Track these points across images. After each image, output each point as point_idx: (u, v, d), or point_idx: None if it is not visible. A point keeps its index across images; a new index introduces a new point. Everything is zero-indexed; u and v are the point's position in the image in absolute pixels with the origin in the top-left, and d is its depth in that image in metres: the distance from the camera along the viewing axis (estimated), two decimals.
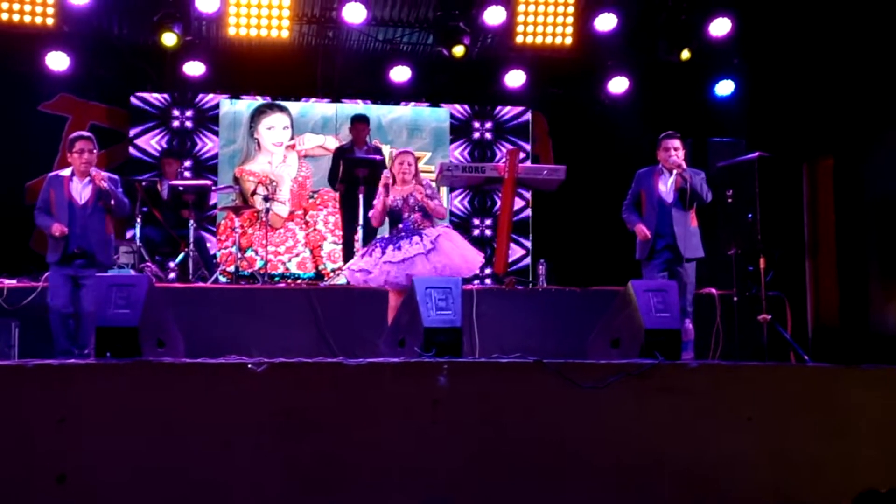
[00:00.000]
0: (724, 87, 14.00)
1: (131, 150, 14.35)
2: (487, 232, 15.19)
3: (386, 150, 14.19)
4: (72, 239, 9.17)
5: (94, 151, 9.37)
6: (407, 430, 6.27)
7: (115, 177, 9.69)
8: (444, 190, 14.75)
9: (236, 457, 6.13)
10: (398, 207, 9.23)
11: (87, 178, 9.23)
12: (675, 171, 9.65)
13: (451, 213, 14.82)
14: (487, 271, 12.80)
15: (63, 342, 9.11)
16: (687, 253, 9.60)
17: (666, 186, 9.76)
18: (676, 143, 9.78)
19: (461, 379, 6.34)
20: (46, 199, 9.35)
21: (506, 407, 6.41)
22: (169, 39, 12.56)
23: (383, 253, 9.06)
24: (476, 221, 15.35)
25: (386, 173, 9.46)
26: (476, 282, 11.67)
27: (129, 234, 11.67)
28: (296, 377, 6.30)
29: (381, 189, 9.29)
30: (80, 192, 9.28)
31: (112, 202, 9.26)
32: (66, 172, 9.38)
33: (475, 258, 9.41)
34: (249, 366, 6.20)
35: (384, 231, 9.80)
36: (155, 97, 14.52)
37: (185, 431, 6.12)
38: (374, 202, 9.40)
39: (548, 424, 6.42)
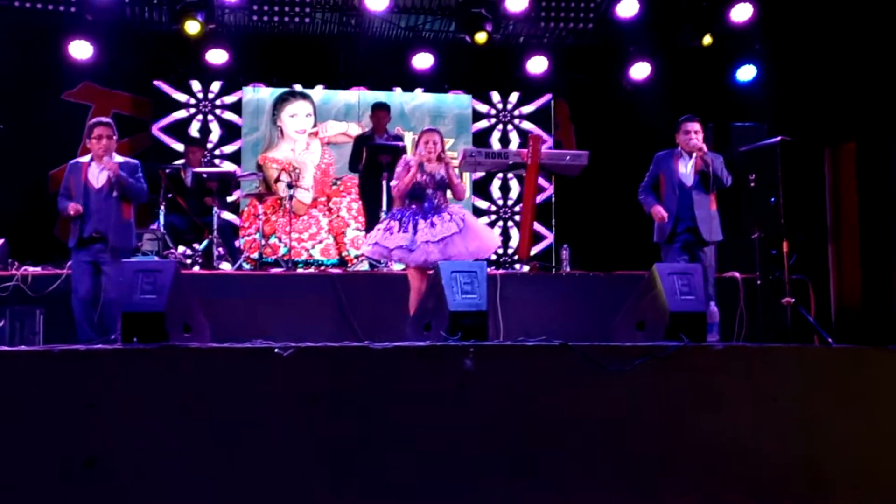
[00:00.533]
0: (746, 73, 14.00)
1: (158, 134, 14.41)
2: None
3: (408, 137, 14.22)
4: (87, 223, 9.24)
5: (113, 137, 9.42)
6: (434, 413, 6.29)
7: (136, 162, 9.76)
8: (466, 175, 14.82)
9: (264, 441, 6.15)
10: (425, 184, 9.26)
11: (104, 165, 9.28)
12: (695, 154, 9.60)
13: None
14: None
15: (86, 330, 9.15)
16: (707, 236, 9.53)
17: (686, 169, 9.70)
18: (696, 125, 9.71)
19: (487, 362, 6.35)
20: (67, 186, 9.45)
21: (532, 390, 6.41)
22: (192, 28, 12.63)
23: (415, 230, 9.09)
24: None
25: (406, 158, 9.47)
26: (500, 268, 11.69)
27: (153, 226, 11.70)
28: (322, 361, 6.31)
29: (413, 165, 9.30)
30: (97, 176, 9.34)
31: (126, 191, 9.31)
32: (86, 158, 9.47)
33: (494, 240, 9.49)
34: (276, 350, 6.22)
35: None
36: (177, 92, 14.64)
37: (212, 416, 6.14)
38: (400, 174, 9.39)
39: (574, 407, 6.43)
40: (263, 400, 6.18)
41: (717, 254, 9.96)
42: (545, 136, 14.98)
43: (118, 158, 9.42)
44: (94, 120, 9.59)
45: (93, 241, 9.25)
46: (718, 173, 9.59)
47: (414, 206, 9.30)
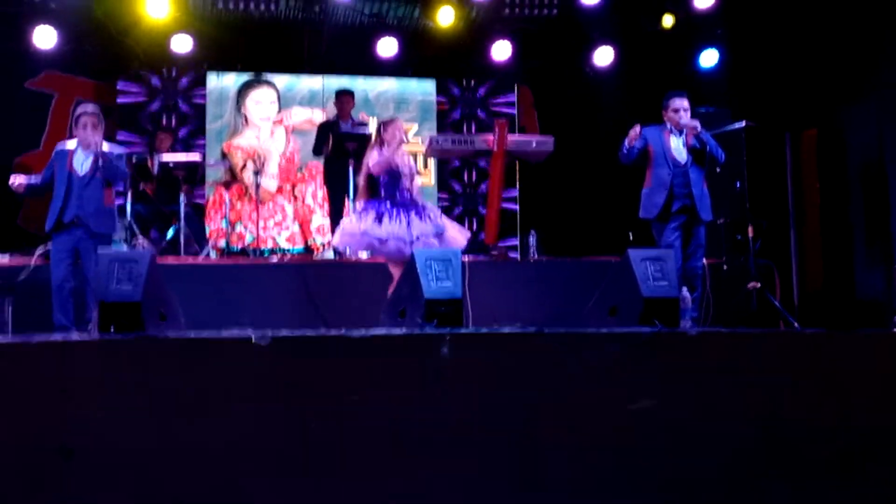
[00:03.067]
0: (709, 58, 14.04)
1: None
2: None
3: (373, 123, 14.22)
4: (68, 208, 9.22)
5: (100, 125, 9.41)
6: (410, 400, 6.32)
7: (123, 150, 9.79)
8: (431, 161, 14.87)
9: (242, 431, 6.15)
10: (398, 170, 9.32)
11: (90, 151, 9.26)
12: (685, 131, 9.41)
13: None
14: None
15: (60, 318, 9.14)
16: (704, 215, 9.38)
17: (679, 146, 9.46)
18: (685, 101, 9.50)
19: (463, 349, 6.39)
20: (51, 170, 9.43)
21: (508, 377, 6.44)
22: (155, 10, 12.53)
23: (391, 220, 9.15)
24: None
25: (380, 150, 9.50)
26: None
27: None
28: (300, 350, 6.33)
29: (392, 150, 9.37)
30: (83, 163, 9.32)
31: (109, 172, 9.29)
32: (72, 145, 9.45)
33: (463, 237, 9.53)
34: (254, 339, 6.23)
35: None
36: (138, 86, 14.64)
37: (189, 406, 6.14)
38: (374, 156, 9.42)
39: (549, 392, 6.47)
40: (241, 389, 6.19)
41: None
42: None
43: (105, 147, 9.38)
44: (81, 108, 9.55)
45: (73, 225, 9.23)
46: (714, 150, 9.40)
47: (390, 194, 9.36)
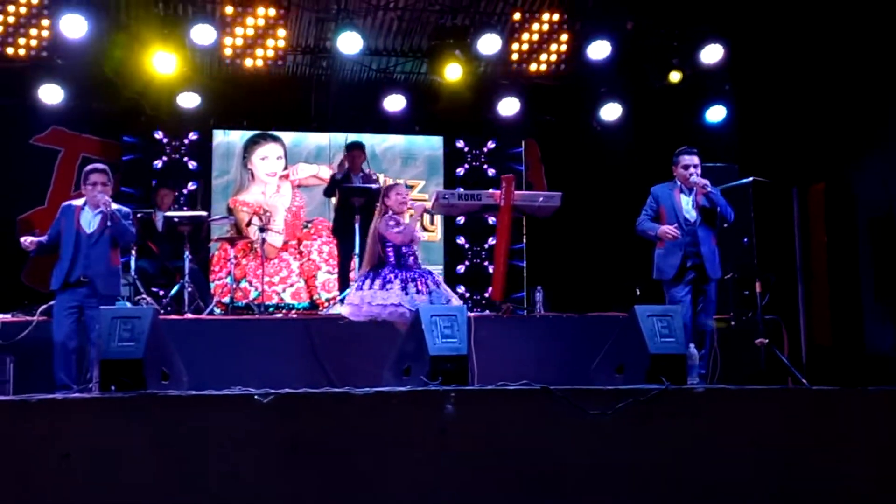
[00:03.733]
0: (716, 113, 14.00)
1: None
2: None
3: (382, 178, 14.22)
4: (75, 267, 9.12)
5: (108, 184, 9.35)
6: (415, 458, 6.26)
7: (127, 209, 9.71)
8: (438, 218, 14.83)
9: (244, 488, 6.10)
10: (410, 243, 9.35)
11: (98, 209, 9.21)
12: (696, 190, 9.27)
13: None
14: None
15: (62, 377, 9.01)
16: (713, 273, 9.24)
17: (688, 205, 9.32)
18: (695, 158, 9.37)
19: (468, 407, 6.33)
20: (57, 228, 9.33)
21: (513, 434, 6.40)
22: (160, 64, 12.54)
23: (399, 288, 9.17)
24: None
25: (396, 217, 9.46)
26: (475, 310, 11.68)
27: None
28: (303, 407, 6.28)
29: (417, 215, 9.59)
30: (90, 221, 9.25)
31: (117, 230, 9.21)
32: (79, 202, 9.37)
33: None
34: (256, 396, 6.18)
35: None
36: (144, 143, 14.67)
37: (192, 463, 6.09)
38: (401, 224, 9.41)
39: (556, 451, 6.41)
40: (244, 446, 6.14)
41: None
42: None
43: (113, 206, 9.31)
44: (90, 167, 9.46)
45: (79, 284, 9.12)
46: (724, 210, 9.26)
47: (392, 263, 9.34)
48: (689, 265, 9.23)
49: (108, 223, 9.15)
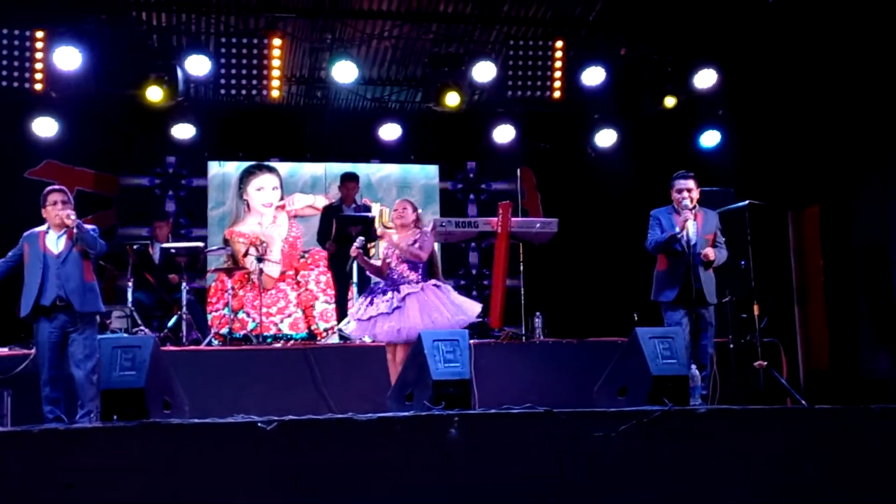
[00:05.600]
0: (711, 138, 14.04)
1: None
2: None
3: (375, 208, 14.24)
4: (46, 290, 8.86)
5: (69, 203, 9.05)
6: (420, 484, 6.23)
7: (94, 227, 9.52)
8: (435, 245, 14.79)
9: None
10: (391, 258, 9.31)
11: (63, 230, 8.98)
12: (694, 212, 9.23)
13: None
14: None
15: (46, 409, 8.84)
16: (709, 298, 9.19)
17: (690, 228, 9.19)
18: (689, 182, 9.30)
19: (472, 431, 6.32)
20: (18, 254, 9.09)
21: (518, 458, 6.38)
22: (154, 94, 12.53)
23: (361, 307, 9.24)
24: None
25: (356, 245, 9.44)
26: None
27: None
28: (306, 434, 6.25)
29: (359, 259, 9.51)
30: (56, 242, 8.99)
31: (84, 240, 9.01)
32: (42, 227, 9.11)
33: (452, 317, 9.23)
34: (259, 424, 6.16)
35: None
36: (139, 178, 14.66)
37: (196, 493, 6.06)
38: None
39: (560, 474, 6.40)
40: (247, 475, 6.11)
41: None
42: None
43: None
44: (48, 188, 9.30)
45: (56, 309, 8.87)
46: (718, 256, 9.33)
47: (385, 280, 9.36)
48: (688, 288, 9.13)
49: (76, 237, 8.96)
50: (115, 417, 6.52)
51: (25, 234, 9.24)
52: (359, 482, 6.18)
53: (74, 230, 8.90)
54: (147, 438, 6.17)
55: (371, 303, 9.19)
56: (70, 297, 8.88)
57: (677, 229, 9.16)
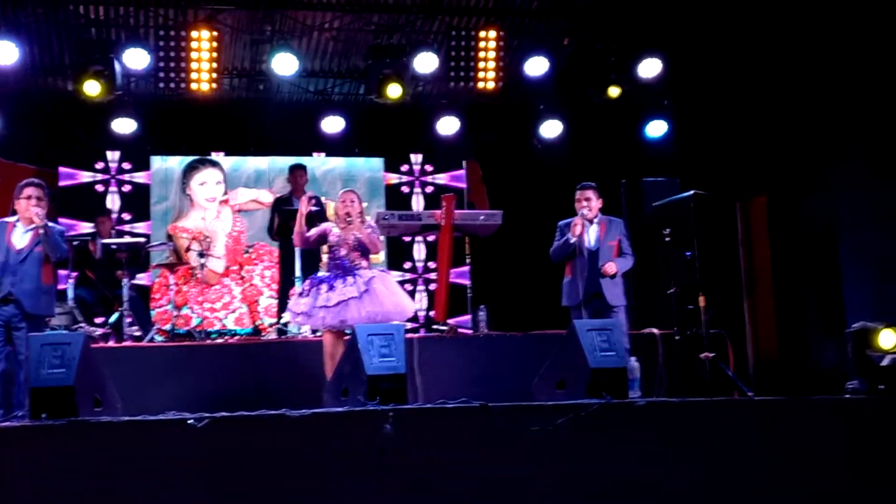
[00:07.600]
0: (656, 128, 14.00)
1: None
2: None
3: (330, 207, 14.12)
4: (1, 284, 8.71)
5: (44, 200, 8.97)
6: (353, 480, 6.16)
7: (61, 227, 9.42)
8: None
9: None
10: (338, 246, 9.19)
11: (31, 226, 8.86)
12: (595, 220, 9.69)
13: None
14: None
15: None
16: (612, 301, 9.52)
17: (589, 235, 9.66)
18: (589, 192, 9.72)
19: (407, 426, 6.24)
20: None
21: (453, 453, 6.32)
22: (92, 89, 12.35)
23: (318, 295, 8.99)
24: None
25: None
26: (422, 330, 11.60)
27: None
28: (238, 431, 6.17)
29: (301, 210, 9.37)
30: (21, 237, 8.87)
31: (49, 244, 8.87)
32: (12, 219, 9.00)
33: (408, 305, 9.38)
34: (190, 421, 6.06)
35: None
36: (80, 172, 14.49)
37: (125, 492, 5.97)
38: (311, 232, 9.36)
39: (496, 469, 6.34)
40: (179, 473, 6.02)
41: (628, 314, 9.90)
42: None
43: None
44: (26, 181, 9.17)
45: (6, 302, 8.71)
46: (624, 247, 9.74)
47: (332, 266, 9.26)
48: (590, 294, 9.55)
49: (41, 237, 8.83)
50: (43, 416, 6.39)
51: None
52: (292, 478, 6.11)
53: (40, 230, 8.77)
54: (75, 436, 6.07)
55: (331, 288, 9.05)
56: (21, 297, 8.74)
57: (571, 238, 9.55)
